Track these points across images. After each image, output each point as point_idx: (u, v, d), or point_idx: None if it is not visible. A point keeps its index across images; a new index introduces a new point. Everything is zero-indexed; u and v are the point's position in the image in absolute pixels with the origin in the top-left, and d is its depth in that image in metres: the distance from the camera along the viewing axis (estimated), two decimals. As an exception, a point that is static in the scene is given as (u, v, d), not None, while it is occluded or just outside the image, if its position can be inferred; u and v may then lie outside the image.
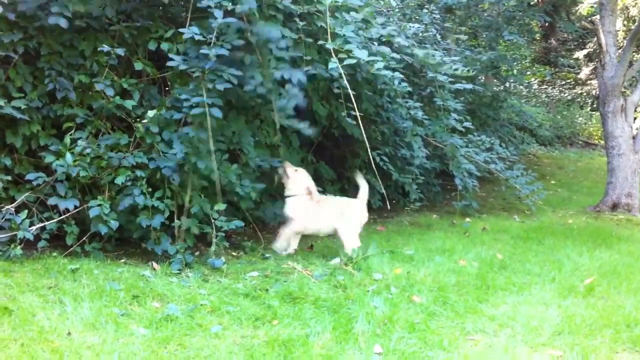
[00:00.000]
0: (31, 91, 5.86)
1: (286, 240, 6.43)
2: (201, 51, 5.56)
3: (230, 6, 5.64)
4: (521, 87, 15.71)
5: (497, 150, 9.75)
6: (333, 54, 5.99)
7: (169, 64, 5.73)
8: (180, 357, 3.73)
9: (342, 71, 5.98)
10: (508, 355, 3.97)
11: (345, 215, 6.34)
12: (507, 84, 14.13)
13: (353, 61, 5.98)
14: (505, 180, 9.19)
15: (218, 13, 5.54)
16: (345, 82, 6.05)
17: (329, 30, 6.11)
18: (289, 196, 6.49)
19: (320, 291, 5.10)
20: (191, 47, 5.77)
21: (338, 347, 4.00)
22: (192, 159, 5.72)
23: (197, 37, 5.60)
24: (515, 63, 13.81)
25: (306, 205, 6.40)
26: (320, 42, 6.24)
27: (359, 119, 6.56)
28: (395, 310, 4.66)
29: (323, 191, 7.26)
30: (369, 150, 6.58)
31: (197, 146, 5.75)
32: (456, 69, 7.80)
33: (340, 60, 5.98)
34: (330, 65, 5.96)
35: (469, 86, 8.83)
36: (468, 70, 7.52)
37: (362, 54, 5.99)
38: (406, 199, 8.93)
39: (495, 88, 13.27)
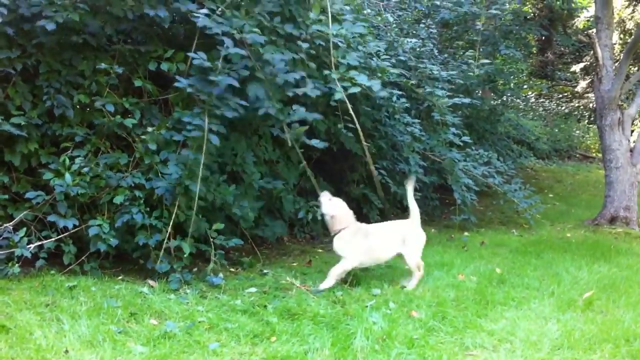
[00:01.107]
0: (30, 109, 5.87)
1: (337, 279, 5.72)
2: (210, 78, 5.58)
3: (237, 35, 5.68)
4: (518, 100, 15.75)
5: (495, 164, 9.76)
6: (337, 82, 6.08)
7: (176, 84, 5.72)
8: (178, 375, 3.72)
9: (346, 100, 6.17)
10: (507, 371, 3.95)
11: (409, 240, 5.86)
12: (505, 98, 14.17)
13: (357, 89, 6.09)
14: (504, 194, 9.18)
15: (228, 42, 5.57)
16: (348, 105, 6.14)
17: (332, 60, 6.21)
18: (335, 232, 5.84)
19: (319, 307, 5.09)
20: (197, 74, 5.77)
21: (332, 364, 3.98)
22: (185, 181, 5.72)
23: (205, 65, 5.61)
24: (512, 77, 13.86)
25: (357, 237, 5.80)
26: (325, 71, 6.33)
27: (359, 134, 6.59)
28: (394, 325, 4.65)
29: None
30: (369, 162, 6.57)
31: (194, 170, 5.75)
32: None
33: (345, 88, 6.08)
34: (336, 96, 6.07)
35: (467, 100, 8.86)
36: (465, 79, 7.53)
37: (363, 79, 6.11)
38: (405, 213, 8.90)
39: (492, 102, 13.31)
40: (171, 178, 5.76)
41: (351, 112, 6.29)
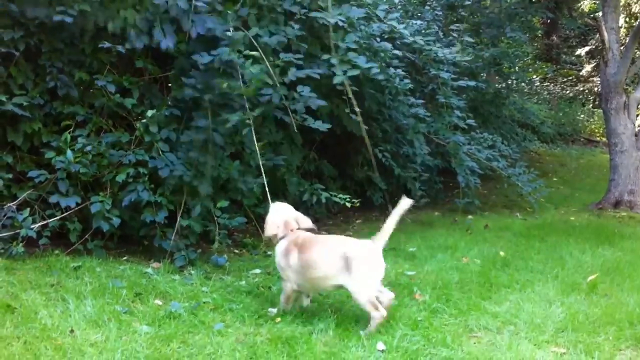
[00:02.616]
0: (32, 88, 5.85)
1: (286, 306, 4.54)
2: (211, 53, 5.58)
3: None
4: (523, 84, 15.65)
5: (500, 148, 9.73)
6: (337, 66, 6.04)
7: (194, 56, 5.74)
8: (183, 355, 3.73)
9: (347, 82, 6.04)
10: (511, 353, 3.95)
11: (355, 267, 4.21)
12: (509, 81, 14.10)
13: (357, 72, 6.03)
14: (508, 178, 9.16)
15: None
16: (348, 88, 6.08)
17: (332, 44, 6.16)
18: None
19: (323, 288, 5.09)
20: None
21: (341, 345, 3.99)
22: (193, 182, 5.72)
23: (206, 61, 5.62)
24: (517, 60, 13.78)
25: (293, 251, 4.43)
26: (325, 55, 6.27)
27: (361, 116, 6.55)
28: (398, 307, 4.65)
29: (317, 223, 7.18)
30: (367, 144, 6.51)
31: (202, 170, 5.75)
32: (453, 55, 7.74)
33: (344, 71, 6.03)
34: (336, 79, 6.00)
35: (472, 83, 8.82)
36: (468, 54, 7.47)
37: (361, 61, 6.04)
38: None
39: (497, 85, 13.24)
40: (184, 156, 5.76)
41: (351, 95, 6.22)
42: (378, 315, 4.17)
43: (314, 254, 4.33)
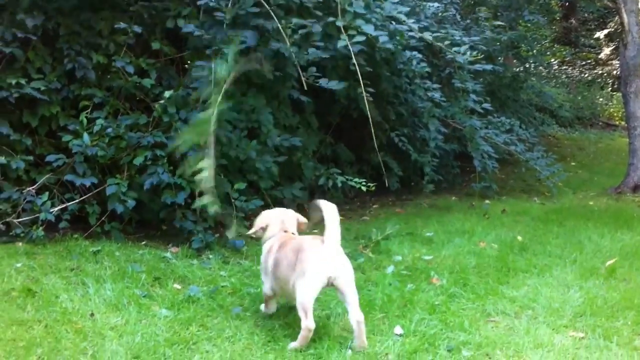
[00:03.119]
0: (50, 72, 5.88)
1: (267, 311, 4.23)
2: (216, 15, 5.55)
3: None
4: (541, 67, 15.48)
5: (517, 132, 9.64)
6: (343, 31, 5.97)
7: (183, 30, 5.79)
8: (202, 338, 3.76)
9: (351, 48, 5.95)
10: (529, 337, 3.94)
11: (302, 270, 3.74)
12: (527, 65, 13.95)
13: (362, 38, 5.94)
14: (525, 162, 9.09)
15: None
16: (354, 60, 6.01)
17: (339, 7, 6.08)
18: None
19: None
20: (207, 19, 5.76)
21: (359, 329, 4.00)
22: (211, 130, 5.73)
23: (211, 4, 5.58)
24: (535, 43, 13.63)
25: (271, 251, 4.11)
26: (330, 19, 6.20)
27: (377, 99, 6.51)
28: (415, 292, 4.66)
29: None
30: (373, 128, 6.46)
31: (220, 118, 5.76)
32: (468, 50, 7.65)
33: (350, 37, 5.94)
34: (340, 43, 5.93)
35: (489, 67, 8.72)
36: (477, 54, 7.39)
37: (369, 29, 5.95)
38: (423, 180, 8.88)
39: (515, 69, 13.11)
40: None
41: (357, 67, 6.14)
42: (304, 325, 3.62)
43: (282, 252, 3.96)
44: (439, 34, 7.70)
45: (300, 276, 3.69)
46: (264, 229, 4.22)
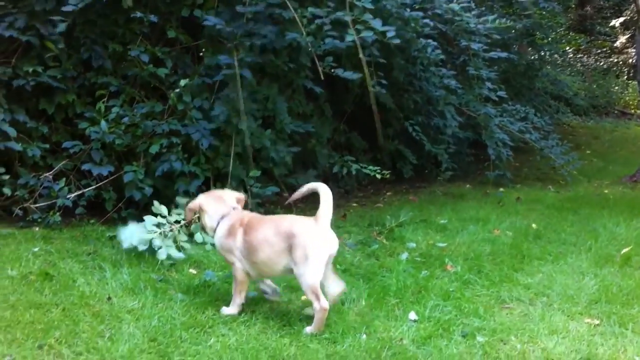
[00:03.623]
0: (66, 60, 5.91)
1: (241, 298, 3.98)
2: (237, 8, 5.56)
3: None
4: (556, 55, 15.35)
5: (532, 120, 9.59)
6: (350, 25, 5.96)
7: (205, 23, 5.78)
8: (218, 322, 3.79)
9: (359, 42, 5.95)
10: (544, 323, 3.94)
11: (299, 250, 3.72)
12: (542, 53, 13.84)
13: (370, 33, 5.93)
14: (540, 150, 9.05)
15: None
16: (361, 55, 6.02)
17: (347, 1, 6.07)
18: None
19: (354, 259, 5.14)
20: (224, 10, 5.77)
21: (373, 314, 4.02)
22: (234, 120, 5.75)
23: None
24: (550, 31, 13.50)
25: (238, 231, 3.94)
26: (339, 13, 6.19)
27: (390, 87, 6.50)
28: (430, 278, 4.67)
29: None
30: (387, 116, 6.44)
31: (238, 107, 5.80)
32: (486, 20, 7.57)
33: (358, 31, 5.94)
34: (348, 37, 5.93)
35: (504, 55, 8.67)
36: (500, 22, 7.30)
37: (377, 24, 5.94)
38: (439, 169, 8.86)
39: (530, 57, 13.01)
40: (218, 120, 5.82)
41: (362, 57, 6.13)
42: (318, 306, 3.65)
43: (259, 235, 3.85)
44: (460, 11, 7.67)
45: (303, 262, 3.68)
46: (197, 212, 4.08)
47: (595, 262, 5.18)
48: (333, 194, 7.55)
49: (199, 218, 4.13)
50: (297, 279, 3.75)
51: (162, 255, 4.70)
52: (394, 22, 6.68)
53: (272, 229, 3.85)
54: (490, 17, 7.30)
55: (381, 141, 7.56)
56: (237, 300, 3.94)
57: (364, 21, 5.95)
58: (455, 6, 7.29)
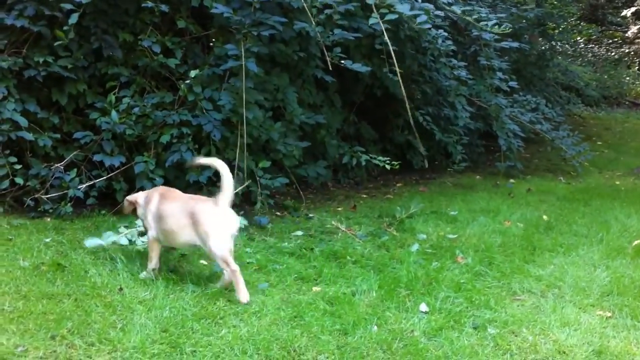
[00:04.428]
0: (77, 50, 5.91)
1: (155, 257, 4.34)
2: None
3: None
4: (567, 46, 15.24)
5: (543, 111, 9.53)
6: (374, 8, 5.91)
7: (213, 11, 5.78)
8: (229, 313, 3.79)
9: (383, 27, 5.90)
10: (556, 315, 3.93)
11: (202, 226, 4.08)
12: (553, 43, 13.74)
13: (394, 16, 5.88)
14: (551, 141, 9.01)
15: None
16: (387, 38, 5.96)
17: None
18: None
19: (365, 251, 5.14)
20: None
21: (384, 305, 4.02)
22: (239, 109, 5.75)
23: None
24: (561, 21, 13.41)
25: (152, 199, 4.39)
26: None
27: (401, 77, 6.47)
28: (441, 270, 4.66)
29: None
30: (397, 107, 6.40)
31: (243, 97, 5.80)
32: (494, 25, 7.52)
33: (382, 15, 5.89)
34: (371, 20, 5.88)
35: (515, 44, 8.62)
36: (505, 28, 7.27)
37: (405, 8, 5.88)
38: (449, 159, 8.83)
39: (540, 47, 12.92)
40: (225, 110, 5.83)
41: (389, 45, 6.08)
42: (230, 271, 3.99)
43: (167, 206, 4.25)
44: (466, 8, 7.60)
45: (207, 238, 4.03)
46: (133, 203, 4.51)
47: (607, 253, 5.16)
48: (343, 184, 7.66)
49: (134, 211, 4.55)
50: (209, 254, 4.14)
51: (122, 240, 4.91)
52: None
53: (179, 204, 4.25)
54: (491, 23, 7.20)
55: (410, 116, 7.43)
56: (149, 265, 4.32)
57: (389, 5, 5.90)
58: (456, 9, 7.20)
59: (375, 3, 5.91)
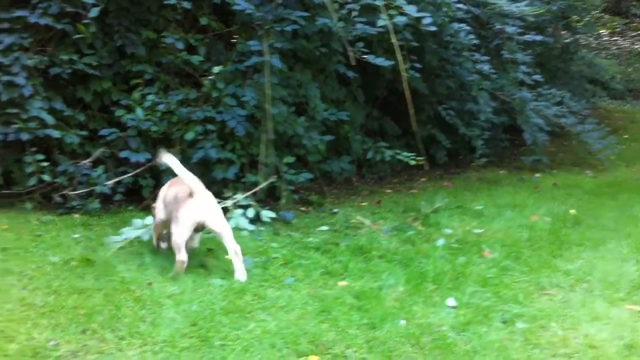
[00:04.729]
0: (101, 47, 5.96)
1: (156, 243, 4.75)
2: None
3: None
4: (591, 38, 15.04)
5: (568, 104, 9.41)
6: (383, 10, 5.90)
7: (235, 7, 5.80)
8: (256, 307, 3.81)
9: (391, 27, 5.89)
10: (585, 310, 3.90)
11: (174, 211, 4.37)
12: (577, 36, 13.57)
13: (403, 19, 5.87)
14: (577, 135, 8.89)
15: None
16: (395, 40, 5.95)
17: None
18: None
19: (390, 245, 5.13)
20: None
21: (411, 300, 4.01)
22: (263, 105, 5.76)
23: None
24: (585, 13, 13.23)
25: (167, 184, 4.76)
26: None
27: (422, 72, 6.43)
28: (467, 265, 4.64)
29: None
30: (420, 102, 6.37)
31: (266, 93, 5.82)
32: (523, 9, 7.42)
33: (391, 16, 5.88)
34: (380, 22, 5.87)
35: (538, 37, 8.53)
36: (538, 7, 7.15)
37: (411, 10, 5.87)
38: (473, 154, 8.76)
39: (564, 40, 12.77)
40: (249, 105, 5.85)
41: (395, 42, 6.06)
42: (177, 258, 4.20)
43: (170, 192, 4.50)
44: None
45: (175, 222, 4.27)
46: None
47: (636, 248, 5.10)
48: (367, 180, 7.64)
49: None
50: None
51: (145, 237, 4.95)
52: (426, 7, 6.59)
53: (173, 191, 4.45)
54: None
55: (415, 127, 7.44)
56: (155, 243, 4.71)
57: (397, 6, 5.89)
58: None
59: (384, 4, 5.91)
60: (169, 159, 4.43)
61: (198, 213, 4.27)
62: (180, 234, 4.22)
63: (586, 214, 6.15)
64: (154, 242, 4.73)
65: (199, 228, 4.36)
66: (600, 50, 19.80)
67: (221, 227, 4.36)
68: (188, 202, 4.27)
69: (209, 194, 4.44)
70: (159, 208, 4.58)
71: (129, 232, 4.80)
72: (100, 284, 4.05)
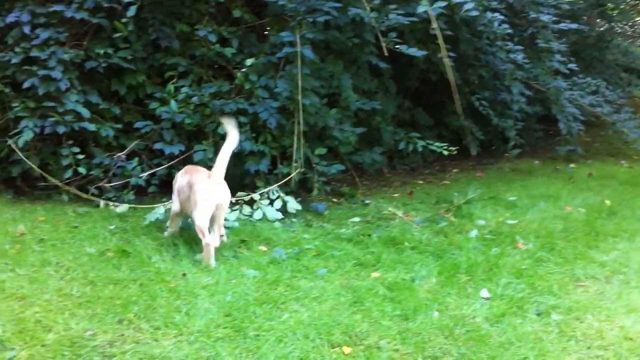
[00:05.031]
0: (136, 41, 6.03)
1: (173, 225, 4.89)
2: None
3: None
4: (626, 26, 14.73)
5: (604, 93, 9.25)
6: None
7: None
8: (290, 298, 3.83)
9: (432, 13, 5.84)
10: (621, 301, 3.85)
11: (192, 196, 4.47)
12: (612, 23, 13.31)
13: (444, 3, 5.82)
14: (612, 125, 8.73)
15: None
16: (436, 25, 5.90)
17: None
18: None
19: (422, 237, 5.10)
20: None
21: (444, 291, 4.00)
22: (296, 96, 5.77)
23: None
24: (620, 1, 12.96)
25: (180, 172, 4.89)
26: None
27: (456, 62, 6.37)
28: (501, 256, 4.60)
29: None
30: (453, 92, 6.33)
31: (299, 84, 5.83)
32: None
33: (431, 2, 5.84)
34: (420, 8, 5.82)
35: (573, 26, 8.39)
36: None
37: None
38: (506, 144, 8.67)
39: (599, 28, 12.54)
40: (282, 97, 5.89)
41: (437, 26, 6.01)
42: (204, 242, 4.29)
43: (182, 181, 4.64)
44: None
45: (195, 207, 4.36)
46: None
47: (674, 239, 5.02)
48: (399, 171, 7.62)
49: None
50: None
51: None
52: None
53: (186, 178, 4.59)
54: None
55: (460, 111, 7.32)
56: (169, 230, 4.85)
57: None
58: None
59: None
60: (228, 125, 4.72)
61: (218, 194, 4.43)
62: (202, 217, 4.34)
63: (622, 205, 6.05)
64: (171, 231, 4.86)
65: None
66: (636, 38, 19.37)
67: (223, 213, 4.57)
68: (207, 185, 4.42)
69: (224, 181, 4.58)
70: (174, 200, 4.76)
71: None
72: (136, 274, 4.12)
